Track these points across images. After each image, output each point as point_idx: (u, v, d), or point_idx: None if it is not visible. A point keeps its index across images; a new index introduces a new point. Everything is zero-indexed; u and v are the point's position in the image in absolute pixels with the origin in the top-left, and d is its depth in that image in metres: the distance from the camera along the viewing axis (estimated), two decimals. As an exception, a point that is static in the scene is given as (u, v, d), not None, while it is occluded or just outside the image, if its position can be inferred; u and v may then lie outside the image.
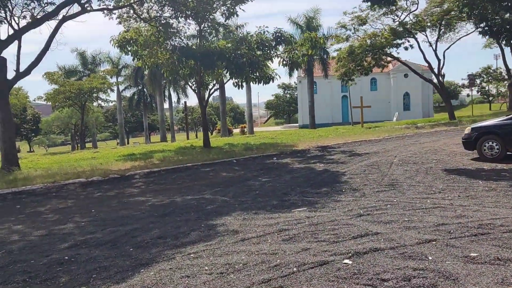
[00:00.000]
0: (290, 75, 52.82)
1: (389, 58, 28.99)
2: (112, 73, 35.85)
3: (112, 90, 37.07)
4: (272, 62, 17.88)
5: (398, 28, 28.04)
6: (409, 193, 7.54)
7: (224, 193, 8.93)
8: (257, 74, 18.20)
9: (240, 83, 19.12)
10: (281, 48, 17.45)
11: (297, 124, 73.32)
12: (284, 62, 17.80)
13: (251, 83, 19.46)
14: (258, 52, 17.06)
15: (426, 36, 28.43)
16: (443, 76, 28.92)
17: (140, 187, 10.70)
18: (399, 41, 27.55)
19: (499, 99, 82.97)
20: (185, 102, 64.84)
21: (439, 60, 28.28)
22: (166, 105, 53.11)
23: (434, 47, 28.46)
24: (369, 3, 27.89)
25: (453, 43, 31.20)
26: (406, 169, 10.10)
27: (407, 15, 28.16)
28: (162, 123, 41.32)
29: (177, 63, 17.17)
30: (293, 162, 13.04)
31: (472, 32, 33.78)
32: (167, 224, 6.58)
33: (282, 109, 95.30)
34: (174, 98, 60.73)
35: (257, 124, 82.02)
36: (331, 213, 6.47)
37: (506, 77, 34.81)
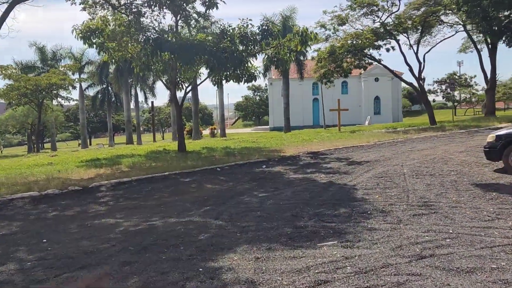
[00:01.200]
0: (265, 75, 51.36)
1: (372, 59, 27.85)
2: (73, 69, 33.02)
3: (74, 88, 34.24)
4: (256, 59, 16.17)
5: (379, 29, 27.00)
6: (458, 219, 5.99)
7: (216, 213, 7.11)
8: (239, 72, 16.44)
9: (219, 81, 17.30)
10: (266, 43, 15.72)
11: (268, 127, 72.05)
12: (269, 59, 16.10)
13: (231, 81, 17.68)
14: (241, 47, 15.29)
15: (408, 38, 27.56)
16: (424, 80, 28.12)
17: (107, 203, 8.70)
18: (380, 43, 26.48)
19: (462, 104, 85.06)
20: (152, 102, 62.23)
21: (420, 63, 27.45)
22: (131, 105, 50.30)
23: (415, 49, 27.64)
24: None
25: (433, 46, 30.60)
26: (427, 183, 8.61)
27: (388, 16, 27.19)
28: (128, 124, 38.73)
29: (150, 57, 15.14)
30: (286, 171, 11.34)
31: (452, 35, 33.44)
32: (149, 268, 4.72)
33: (251, 111, 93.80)
34: (141, 97, 57.81)
35: (226, 126, 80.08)
36: (374, 251, 4.81)
37: (469, 83, 34.51)
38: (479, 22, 24.72)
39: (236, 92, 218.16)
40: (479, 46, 33.41)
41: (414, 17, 25.88)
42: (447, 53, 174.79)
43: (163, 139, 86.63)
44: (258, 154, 14.78)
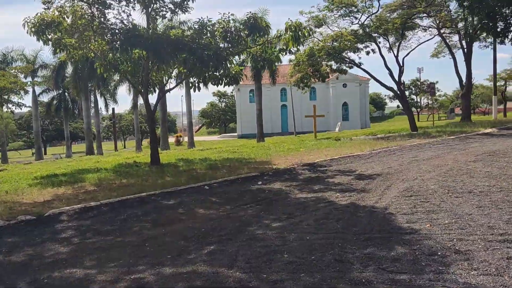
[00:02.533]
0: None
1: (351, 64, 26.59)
2: (25, 71, 29.86)
3: (26, 93, 31.06)
4: (239, 58, 14.33)
5: (357, 31, 25.86)
6: None
7: (228, 258, 5.17)
8: (220, 73, 14.56)
9: (197, 84, 15.31)
10: (251, 40, 13.91)
11: (236, 134, 70.19)
12: (254, 59, 14.31)
13: (210, 84, 15.77)
14: (224, 45, 13.40)
15: (388, 40, 26.56)
16: (403, 84, 27.18)
17: (71, 240, 6.54)
18: (360, 45, 25.30)
19: (424, 110, 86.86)
20: (113, 109, 58.97)
21: (400, 66, 26.48)
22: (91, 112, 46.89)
23: (395, 52, 26.68)
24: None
25: (412, 49, 29.86)
26: (476, 205, 7.01)
27: (367, 18, 26.13)
28: (88, 132, 35.72)
29: (118, 54, 12.97)
30: (289, 188, 9.51)
31: (430, 39, 32.93)
32: None
33: (217, 118, 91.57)
34: (101, 104, 54.27)
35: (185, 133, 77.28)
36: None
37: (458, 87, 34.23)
38: (483, 19, 23.93)
39: (200, 98, 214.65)
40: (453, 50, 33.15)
41: (394, 18, 24.87)
42: (408, 60, 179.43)
43: (124, 147, 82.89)
44: (246, 167, 12.89)
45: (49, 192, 10.19)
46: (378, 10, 25.97)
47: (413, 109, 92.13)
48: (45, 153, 72.78)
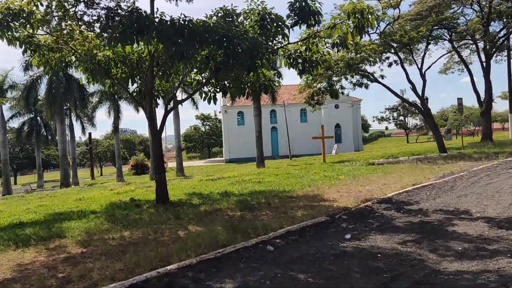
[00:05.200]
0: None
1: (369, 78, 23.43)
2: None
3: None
4: (275, 56, 10.78)
5: (375, 40, 22.84)
6: None
7: None
8: (253, 77, 11.00)
9: (213, 94, 11.66)
10: (294, 31, 10.38)
11: (222, 159, 66.29)
12: (291, 59, 10.75)
13: (229, 93, 12.20)
14: (259, 38, 9.80)
15: (411, 51, 23.65)
16: (427, 100, 24.19)
17: None
18: (384, 56, 22.30)
19: (413, 131, 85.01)
20: (89, 133, 54.26)
21: (424, 80, 23.54)
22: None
23: (419, 64, 23.75)
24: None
25: (434, 62, 27.16)
26: None
27: (387, 25, 23.18)
28: (63, 159, 31.22)
29: (114, 49, 9.26)
30: (414, 250, 5.73)
31: (449, 52, 30.26)
32: None
33: (200, 142, 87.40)
34: (77, 128, 49.45)
35: (168, 159, 72.79)
36: None
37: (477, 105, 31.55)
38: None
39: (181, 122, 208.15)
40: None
41: (423, 25, 21.95)
42: (397, 79, 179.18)
43: (101, 175, 77.57)
44: (295, 205, 9.15)
45: (9, 261, 6.21)
46: (397, 18, 23.07)
47: (401, 130, 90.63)
48: (15, 182, 66.94)
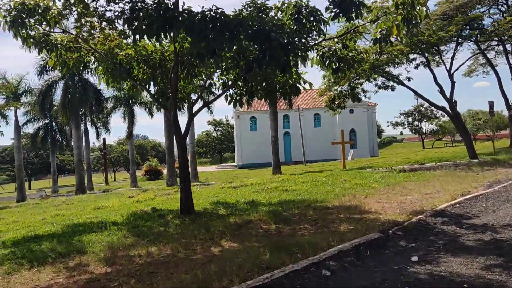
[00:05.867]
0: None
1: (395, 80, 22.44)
2: (5, 90, 24.99)
3: (5, 117, 26.18)
4: (307, 54, 9.92)
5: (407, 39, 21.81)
6: None
7: None
8: (284, 77, 10.22)
9: (238, 98, 10.90)
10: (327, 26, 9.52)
11: (235, 164, 65.44)
12: (324, 58, 9.89)
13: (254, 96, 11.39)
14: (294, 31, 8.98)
15: (439, 52, 22.65)
16: (455, 103, 23.11)
17: None
18: (408, 57, 21.30)
19: (429, 136, 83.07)
20: (104, 139, 54.06)
21: (453, 82, 22.48)
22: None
23: (448, 66, 22.70)
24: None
25: (463, 63, 26.02)
26: None
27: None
28: (78, 165, 30.73)
29: (135, 48, 8.54)
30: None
31: (476, 54, 29.10)
32: None
33: (213, 148, 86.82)
34: (91, 133, 49.04)
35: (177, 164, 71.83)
36: None
37: (506, 108, 30.28)
38: None
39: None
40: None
41: (453, 23, 20.92)
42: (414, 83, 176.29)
43: (114, 180, 77.36)
44: (335, 217, 8.28)
45: (22, 284, 5.46)
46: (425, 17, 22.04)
47: (415, 135, 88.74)
48: (30, 187, 67.02)
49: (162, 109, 12.32)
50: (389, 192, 11.23)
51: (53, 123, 44.29)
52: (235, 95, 10.97)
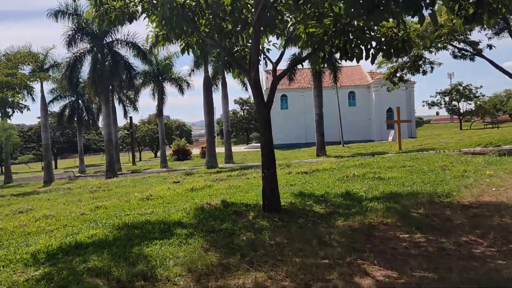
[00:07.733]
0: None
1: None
2: (29, 60, 22.88)
3: (30, 91, 24.18)
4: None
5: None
6: None
7: None
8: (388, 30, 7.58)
9: (327, 56, 8.29)
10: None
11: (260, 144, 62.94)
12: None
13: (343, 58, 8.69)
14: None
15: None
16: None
17: None
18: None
19: (467, 117, 78.15)
20: (130, 118, 52.26)
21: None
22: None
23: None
24: None
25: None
26: None
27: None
28: (108, 144, 28.72)
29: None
30: None
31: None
32: None
33: (240, 127, 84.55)
34: (119, 111, 47.08)
35: (198, 145, 69.81)
36: None
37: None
38: None
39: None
40: None
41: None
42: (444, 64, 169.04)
43: (140, 159, 76.06)
44: (498, 224, 5.72)
45: None
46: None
47: (455, 116, 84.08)
48: (56, 167, 66.19)
49: (224, 73, 9.75)
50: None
51: (80, 101, 42.58)
52: (326, 52, 8.36)
